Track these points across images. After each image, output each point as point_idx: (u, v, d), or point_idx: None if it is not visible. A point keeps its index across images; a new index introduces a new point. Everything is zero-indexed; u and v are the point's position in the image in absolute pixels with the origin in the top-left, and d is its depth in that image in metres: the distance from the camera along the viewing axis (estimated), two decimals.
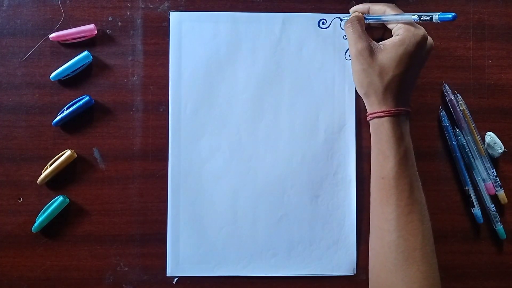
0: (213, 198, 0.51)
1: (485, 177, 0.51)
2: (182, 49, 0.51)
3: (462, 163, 0.51)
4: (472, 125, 0.51)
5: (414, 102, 0.52)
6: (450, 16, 0.40)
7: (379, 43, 0.45)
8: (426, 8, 0.53)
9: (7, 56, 0.51)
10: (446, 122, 0.51)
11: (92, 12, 0.51)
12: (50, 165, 0.50)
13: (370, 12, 0.47)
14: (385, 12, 0.46)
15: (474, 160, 0.51)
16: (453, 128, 0.52)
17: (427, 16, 0.42)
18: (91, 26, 0.50)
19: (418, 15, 0.43)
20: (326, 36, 0.52)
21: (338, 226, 0.51)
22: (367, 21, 0.47)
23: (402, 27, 0.44)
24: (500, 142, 0.51)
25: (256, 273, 0.51)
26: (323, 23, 0.52)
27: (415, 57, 0.44)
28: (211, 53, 0.51)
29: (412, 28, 0.44)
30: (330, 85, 0.52)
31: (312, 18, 0.52)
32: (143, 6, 0.52)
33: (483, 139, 0.52)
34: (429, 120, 0.52)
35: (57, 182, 0.51)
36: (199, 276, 0.51)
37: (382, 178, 0.44)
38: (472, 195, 0.51)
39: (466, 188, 0.51)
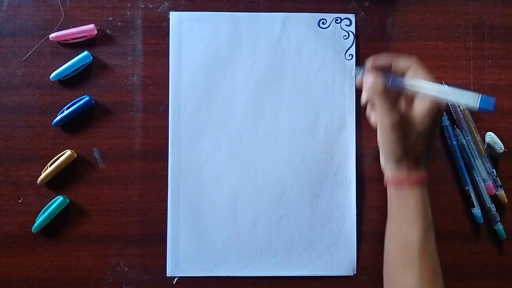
0: (213, 198, 0.51)
1: (485, 177, 0.51)
2: (182, 49, 0.51)
3: (462, 163, 0.51)
4: (472, 125, 0.51)
5: None
6: (491, 106, 0.37)
7: (406, 109, 0.43)
8: (426, 8, 0.52)
9: (7, 56, 0.51)
10: (446, 122, 0.51)
11: (92, 12, 0.51)
12: (50, 165, 0.50)
13: (392, 68, 0.45)
14: (409, 70, 0.43)
15: (474, 160, 0.51)
16: (453, 128, 0.52)
17: (463, 95, 0.38)
18: (91, 26, 0.50)
19: (451, 91, 0.39)
20: (326, 36, 0.52)
21: (338, 226, 0.51)
22: (390, 85, 0.43)
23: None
24: (500, 142, 0.51)
25: (256, 273, 0.51)
26: (323, 23, 0.52)
27: (440, 122, 0.44)
28: (211, 53, 0.51)
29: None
30: (330, 85, 0.52)
31: (312, 18, 0.52)
32: (143, 6, 0.52)
33: (483, 139, 0.52)
34: None
35: (57, 182, 0.51)
36: (199, 276, 0.51)
37: (406, 246, 0.43)
38: (472, 195, 0.51)
39: (466, 188, 0.51)
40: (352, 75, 0.51)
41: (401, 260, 0.43)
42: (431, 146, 0.44)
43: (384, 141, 0.44)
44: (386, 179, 0.46)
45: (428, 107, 0.42)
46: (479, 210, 0.51)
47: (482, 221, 0.51)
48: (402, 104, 0.45)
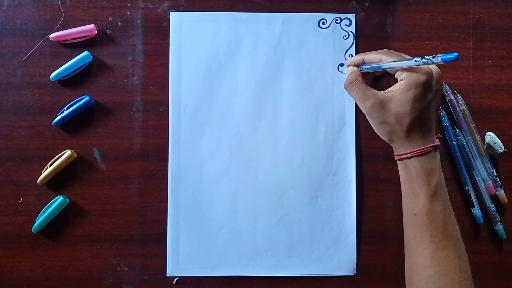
0: (213, 198, 0.51)
1: (485, 177, 0.51)
2: (182, 49, 0.51)
3: (462, 163, 0.51)
4: (472, 125, 0.51)
5: None
6: (453, 56, 0.39)
7: (386, 91, 0.45)
8: (426, 8, 0.53)
9: (7, 56, 0.51)
10: (446, 122, 0.51)
11: (92, 12, 0.51)
12: (50, 165, 0.50)
13: (365, 62, 0.48)
14: (382, 60, 0.46)
15: (474, 160, 0.51)
16: (453, 128, 0.52)
17: (429, 59, 0.41)
18: (91, 26, 0.50)
19: (419, 60, 0.41)
20: (326, 36, 0.52)
21: (338, 226, 0.51)
22: (363, 71, 0.47)
23: (404, 71, 0.44)
24: (500, 142, 0.51)
25: (256, 273, 0.51)
26: (323, 23, 0.52)
27: (426, 95, 0.43)
28: (211, 53, 0.51)
29: (415, 71, 0.43)
30: (330, 85, 0.52)
31: (312, 18, 0.52)
32: (143, 6, 0.52)
33: (483, 139, 0.52)
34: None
35: (57, 182, 0.51)
36: (199, 276, 0.51)
37: (414, 214, 0.45)
38: (472, 195, 0.51)
39: (466, 188, 0.51)
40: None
41: (412, 226, 0.45)
42: (425, 118, 0.44)
43: (371, 124, 0.47)
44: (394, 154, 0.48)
45: (404, 82, 0.43)
46: (479, 210, 0.51)
47: (482, 221, 0.51)
48: (385, 86, 0.48)
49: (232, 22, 0.51)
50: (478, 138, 0.51)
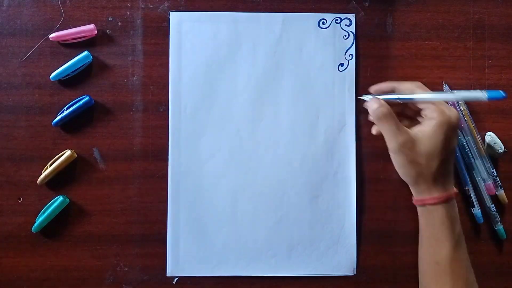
0: (213, 198, 0.51)
1: (485, 177, 0.51)
2: (182, 49, 0.51)
3: (462, 163, 0.51)
4: (472, 125, 0.51)
5: None
6: (500, 95, 0.37)
7: (414, 129, 0.43)
8: (426, 8, 0.52)
9: (7, 56, 0.51)
10: None
11: (92, 12, 0.51)
12: (50, 165, 0.50)
13: (395, 92, 0.45)
14: (414, 92, 0.44)
15: (474, 160, 0.51)
16: None
17: (471, 93, 0.39)
18: (91, 26, 0.50)
19: (458, 93, 0.40)
20: (326, 36, 0.52)
21: (338, 226, 0.51)
22: (393, 100, 0.45)
23: (435, 109, 0.42)
24: (500, 142, 0.51)
25: (256, 273, 0.51)
26: (323, 23, 0.52)
27: (454, 138, 0.43)
28: (211, 53, 0.51)
29: (445, 110, 0.42)
30: (330, 85, 0.52)
31: (312, 18, 0.52)
32: (143, 6, 0.52)
33: (483, 139, 0.52)
34: None
35: (57, 182, 0.51)
36: (199, 276, 0.51)
37: (436, 263, 0.44)
38: (472, 195, 0.51)
39: (466, 188, 0.51)
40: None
41: (433, 274, 0.44)
42: (450, 163, 0.44)
43: (396, 163, 0.45)
44: (413, 199, 0.46)
45: (436, 123, 0.42)
46: (479, 210, 0.51)
47: (482, 221, 0.51)
48: (412, 126, 0.45)
49: (232, 22, 0.51)
50: (478, 138, 0.51)
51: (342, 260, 0.51)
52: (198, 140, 0.51)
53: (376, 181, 0.52)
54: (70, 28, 0.51)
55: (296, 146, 0.51)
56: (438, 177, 0.43)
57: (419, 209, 0.46)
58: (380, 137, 0.47)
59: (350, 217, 0.52)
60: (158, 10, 0.52)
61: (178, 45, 0.51)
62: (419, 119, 0.45)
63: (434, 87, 0.52)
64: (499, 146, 0.51)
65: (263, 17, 0.52)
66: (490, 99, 0.38)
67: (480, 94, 0.39)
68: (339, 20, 0.52)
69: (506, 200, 0.51)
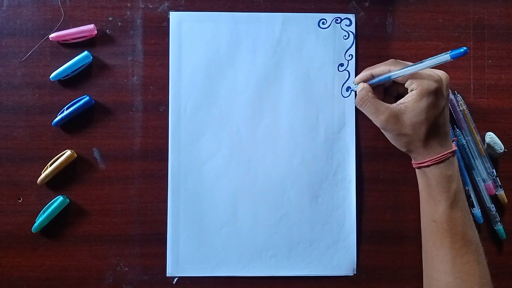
0: (213, 198, 0.51)
1: (485, 177, 0.51)
2: (182, 49, 0.51)
3: (462, 163, 0.51)
4: (472, 125, 0.51)
5: None
6: (461, 51, 0.38)
7: (398, 103, 0.45)
8: (426, 8, 0.53)
9: (7, 56, 0.51)
10: None
11: (92, 12, 0.51)
12: (50, 165, 0.50)
13: (373, 76, 0.47)
14: (390, 71, 0.45)
15: (474, 160, 0.51)
16: (453, 128, 0.52)
17: (436, 58, 0.40)
18: (91, 26, 0.50)
19: (426, 61, 0.41)
20: (326, 36, 0.52)
21: (338, 226, 0.51)
22: (374, 84, 0.47)
23: (414, 80, 0.44)
24: (500, 142, 0.51)
25: (256, 273, 0.51)
26: (323, 23, 0.52)
27: (438, 102, 0.43)
28: (211, 53, 0.51)
29: (424, 79, 0.43)
30: (330, 85, 0.52)
31: (312, 18, 0.52)
32: (143, 6, 0.52)
33: (483, 139, 0.52)
34: None
35: (57, 182, 0.51)
36: (199, 276, 0.51)
37: (434, 221, 0.45)
38: (472, 195, 0.51)
39: (466, 188, 0.51)
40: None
41: (432, 233, 0.45)
42: (441, 125, 0.44)
43: (387, 137, 0.47)
44: (412, 162, 0.48)
45: (416, 93, 0.43)
46: (479, 210, 0.51)
47: (482, 221, 0.51)
48: (394, 95, 0.49)
49: (232, 22, 0.51)
50: (478, 138, 0.51)
51: (342, 260, 0.51)
52: (198, 140, 0.51)
53: (376, 181, 0.52)
54: (70, 28, 0.51)
55: (296, 146, 0.51)
56: (429, 141, 0.44)
57: (417, 172, 0.47)
58: (380, 137, 0.48)
59: (350, 217, 0.52)
60: (158, 10, 0.52)
61: (178, 45, 0.51)
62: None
63: None
64: (499, 146, 0.51)
65: (263, 17, 0.52)
66: (454, 57, 0.39)
67: (444, 57, 0.40)
68: (339, 20, 0.52)
69: (506, 200, 0.51)
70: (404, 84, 0.45)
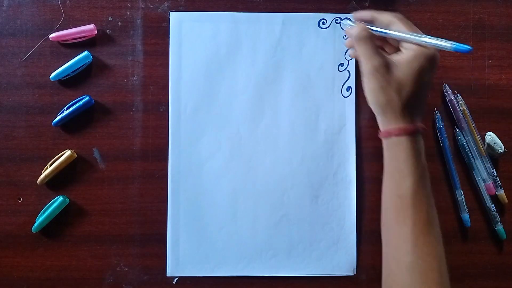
0: (213, 198, 0.51)
1: (485, 177, 0.51)
2: (182, 49, 0.51)
3: (453, 166, 0.51)
4: (472, 125, 0.51)
5: None
6: (465, 48, 0.38)
7: (392, 56, 0.43)
8: (426, 8, 0.53)
9: (7, 56, 0.51)
10: (440, 124, 0.51)
11: (92, 12, 0.51)
12: (50, 165, 0.50)
13: (375, 22, 0.45)
14: (392, 24, 0.44)
15: (474, 160, 0.51)
16: (453, 128, 0.52)
17: (438, 41, 0.40)
18: (91, 26, 0.50)
19: (427, 39, 0.41)
20: (326, 36, 0.52)
21: (338, 226, 0.51)
22: (373, 32, 0.45)
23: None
24: (500, 142, 0.51)
25: (256, 273, 0.51)
26: (323, 23, 0.52)
27: (428, 72, 0.43)
28: (211, 53, 0.51)
29: (422, 45, 0.42)
30: (330, 85, 0.52)
31: (312, 18, 0.52)
32: (143, 6, 0.52)
33: (483, 139, 0.52)
34: (429, 120, 0.52)
35: (57, 182, 0.51)
36: (199, 276, 0.51)
37: (399, 197, 0.43)
38: (462, 198, 0.51)
39: (458, 191, 0.51)
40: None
41: (395, 209, 0.44)
42: (421, 96, 0.43)
43: (368, 89, 0.44)
44: (379, 132, 0.46)
45: (413, 53, 0.42)
46: (467, 214, 0.51)
47: (469, 224, 0.51)
48: (389, 51, 0.46)
49: (232, 22, 0.51)
50: (478, 138, 0.51)
51: (342, 260, 0.51)
52: (198, 140, 0.51)
53: (376, 181, 0.52)
54: (70, 28, 0.51)
55: (296, 146, 0.51)
56: (407, 108, 0.43)
57: (384, 143, 0.45)
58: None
59: (350, 217, 0.52)
60: (158, 10, 0.52)
61: (178, 45, 0.51)
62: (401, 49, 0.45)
63: (434, 87, 0.52)
64: (499, 146, 0.51)
65: (263, 17, 0.52)
66: (455, 50, 0.39)
67: (446, 44, 0.40)
68: (339, 20, 0.52)
69: (506, 200, 0.51)
70: (397, 43, 0.44)
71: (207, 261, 0.51)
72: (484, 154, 0.51)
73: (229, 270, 0.51)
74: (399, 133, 0.43)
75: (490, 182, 0.51)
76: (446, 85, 0.52)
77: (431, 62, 0.42)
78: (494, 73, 0.53)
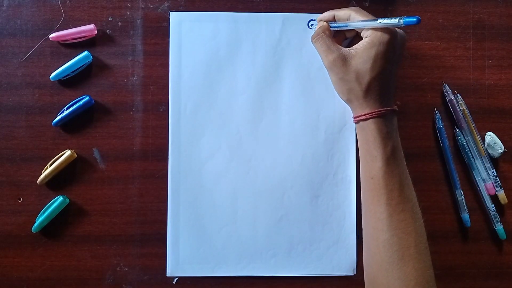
0: (213, 198, 0.51)
1: (485, 177, 0.51)
2: (182, 49, 0.51)
3: (452, 166, 0.51)
4: (472, 125, 0.51)
5: (415, 102, 0.52)
6: (414, 19, 0.40)
7: (350, 48, 0.45)
8: (426, 8, 0.53)
9: (7, 56, 0.51)
10: (440, 124, 0.51)
11: (92, 12, 0.51)
12: (50, 165, 0.50)
13: (335, 19, 0.47)
14: (350, 17, 0.46)
15: (474, 160, 0.51)
16: (453, 128, 0.52)
17: (390, 20, 0.42)
18: (91, 26, 0.50)
19: (381, 20, 0.42)
20: None
21: (338, 226, 0.51)
22: (333, 29, 0.47)
23: (370, 29, 0.44)
24: (500, 142, 0.51)
25: (256, 273, 0.51)
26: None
27: (388, 56, 0.43)
28: (211, 53, 0.51)
29: (379, 31, 0.43)
30: (330, 85, 0.52)
31: (312, 18, 0.52)
32: (143, 6, 0.52)
33: (483, 139, 0.52)
34: (429, 120, 0.52)
35: (57, 182, 0.51)
36: (199, 276, 0.51)
37: (371, 178, 0.45)
38: (462, 198, 0.51)
39: (458, 191, 0.51)
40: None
41: (370, 190, 0.45)
42: (384, 80, 0.44)
43: (331, 80, 0.47)
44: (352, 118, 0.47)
45: (367, 40, 0.44)
46: (467, 214, 0.51)
47: (469, 224, 0.51)
48: (350, 45, 0.48)
49: (232, 22, 0.51)
50: (478, 138, 0.51)
51: (342, 260, 0.51)
52: (198, 140, 0.51)
53: None
54: (70, 28, 0.51)
55: (296, 146, 0.51)
56: (370, 93, 0.44)
57: (356, 128, 0.47)
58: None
59: (350, 217, 0.52)
60: (158, 10, 0.52)
61: (178, 45, 0.51)
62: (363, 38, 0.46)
63: (434, 87, 0.52)
64: (499, 146, 0.51)
65: (263, 17, 0.52)
66: (406, 24, 0.40)
67: (396, 20, 0.41)
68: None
69: (506, 200, 0.51)
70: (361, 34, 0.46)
71: (207, 261, 0.51)
72: (484, 154, 0.51)
73: (229, 270, 0.51)
74: (366, 118, 0.44)
75: (490, 182, 0.51)
76: (446, 85, 0.52)
77: (388, 45, 0.43)
78: (494, 73, 0.53)
